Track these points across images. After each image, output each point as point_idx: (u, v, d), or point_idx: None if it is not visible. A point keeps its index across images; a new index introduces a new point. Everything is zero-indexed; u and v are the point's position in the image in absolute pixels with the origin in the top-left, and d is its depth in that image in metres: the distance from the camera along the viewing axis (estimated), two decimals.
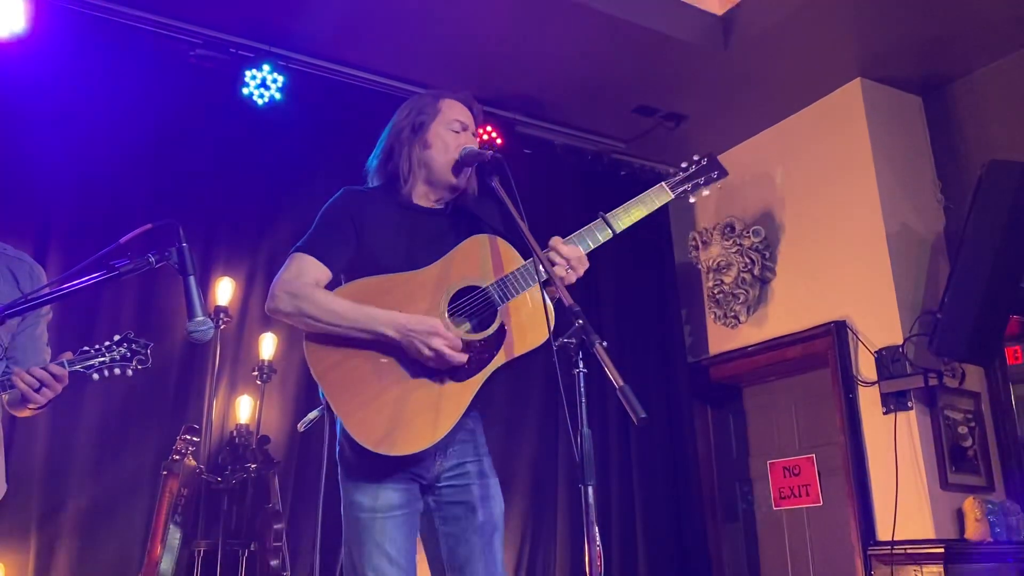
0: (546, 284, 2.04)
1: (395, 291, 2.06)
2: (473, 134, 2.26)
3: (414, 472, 2.05)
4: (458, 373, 2.00)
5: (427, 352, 1.95)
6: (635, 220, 2.20)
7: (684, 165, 2.32)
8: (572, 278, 2.07)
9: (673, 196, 2.26)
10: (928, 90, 4.76)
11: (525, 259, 2.07)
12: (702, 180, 2.30)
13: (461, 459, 2.09)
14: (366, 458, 1.98)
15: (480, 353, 2.01)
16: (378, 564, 1.97)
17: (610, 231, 2.15)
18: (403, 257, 2.09)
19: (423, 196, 2.22)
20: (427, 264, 2.08)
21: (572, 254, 2.05)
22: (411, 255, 2.10)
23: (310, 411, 4.22)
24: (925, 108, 4.80)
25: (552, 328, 1.94)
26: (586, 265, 2.09)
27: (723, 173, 2.33)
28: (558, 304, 2.00)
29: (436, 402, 1.98)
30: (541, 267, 1.93)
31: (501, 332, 2.01)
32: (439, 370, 2.00)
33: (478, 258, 2.06)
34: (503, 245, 2.10)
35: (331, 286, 2.10)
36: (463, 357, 1.98)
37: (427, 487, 2.08)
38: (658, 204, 2.23)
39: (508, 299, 2.01)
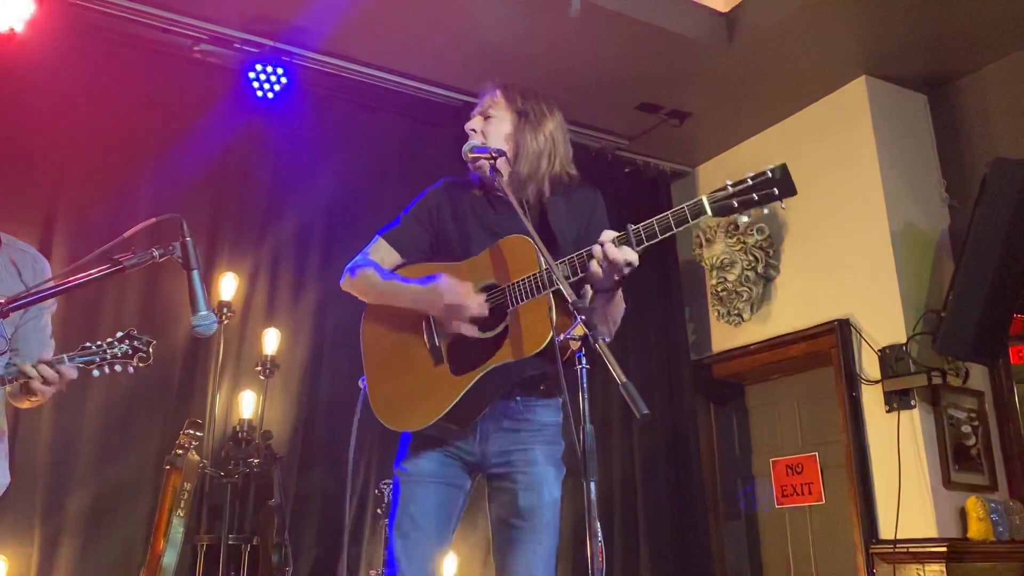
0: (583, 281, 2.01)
1: None
2: (484, 116, 2.36)
3: (452, 450, 2.14)
4: (458, 366, 2.06)
5: (445, 302, 2.04)
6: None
7: (743, 178, 1.90)
8: (608, 277, 1.93)
9: (710, 214, 1.87)
10: (933, 88, 4.75)
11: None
12: (757, 197, 1.88)
13: (508, 446, 2.11)
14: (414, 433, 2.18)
15: (481, 351, 2.04)
16: (400, 521, 2.11)
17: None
18: (461, 247, 2.20)
19: (507, 189, 2.18)
20: (476, 255, 2.16)
21: (616, 258, 1.89)
22: (466, 246, 2.20)
23: (311, 406, 4.23)
24: (930, 106, 4.78)
25: (551, 339, 1.92)
26: (630, 266, 1.93)
27: (789, 191, 1.92)
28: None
29: (433, 391, 2.08)
30: (548, 276, 1.95)
31: (504, 333, 2.03)
32: (442, 360, 2.08)
33: (506, 258, 2.10)
34: (529, 247, 2.05)
35: None
36: (476, 309, 2.03)
37: (481, 469, 2.15)
38: (693, 221, 1.89)
39: (518, 303, 2.02)
